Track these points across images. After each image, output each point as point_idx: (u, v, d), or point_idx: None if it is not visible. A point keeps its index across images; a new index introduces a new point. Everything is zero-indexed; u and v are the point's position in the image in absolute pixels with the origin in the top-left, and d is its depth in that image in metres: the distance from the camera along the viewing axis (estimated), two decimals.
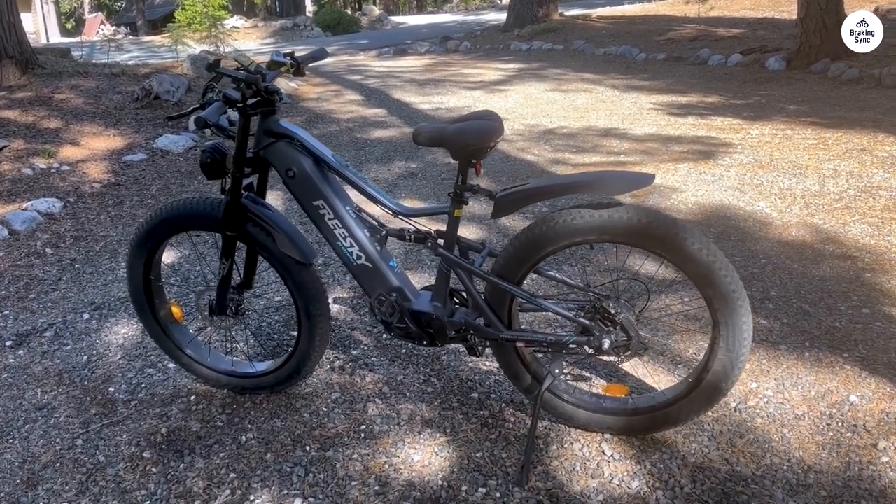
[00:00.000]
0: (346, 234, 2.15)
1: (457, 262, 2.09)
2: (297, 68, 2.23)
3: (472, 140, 1.91)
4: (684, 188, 4.50)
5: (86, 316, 3.21)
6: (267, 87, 2.05)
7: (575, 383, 2.39)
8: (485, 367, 2.60)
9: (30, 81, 7.16)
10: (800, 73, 8.32)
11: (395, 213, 2.13)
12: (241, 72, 2.02)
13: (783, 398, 2.33)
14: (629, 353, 2.02)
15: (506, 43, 13.79)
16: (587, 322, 2.00)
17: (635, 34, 12.78)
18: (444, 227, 2.11)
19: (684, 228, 1.85)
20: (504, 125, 1.97)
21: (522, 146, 5.77)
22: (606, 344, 1.98)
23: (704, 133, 5.90)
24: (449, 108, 7.34)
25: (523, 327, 2.42)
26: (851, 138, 5.40)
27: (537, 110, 7.15)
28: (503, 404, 2.39)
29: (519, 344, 2.10)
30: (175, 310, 2.54)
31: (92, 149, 5.86)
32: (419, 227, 2.16)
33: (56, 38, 29.24)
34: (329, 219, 2.15)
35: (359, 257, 2.17)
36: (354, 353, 2.77)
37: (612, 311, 1.98)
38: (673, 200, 4.28)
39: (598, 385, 2.44)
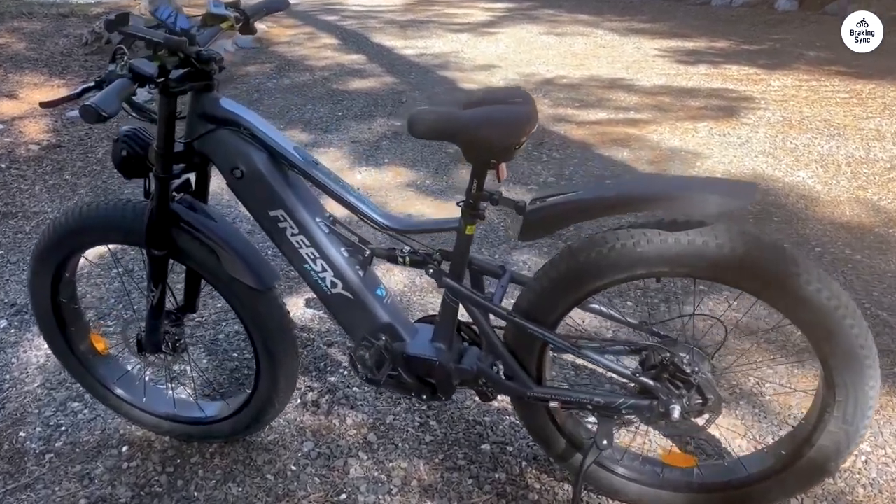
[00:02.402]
0: (316, 255, 1.57)
1: (469, 297, 1.52)
2: (246, 23, 1.61)
3: (495, 134, 1.33)
4: (708, 153, 3.93)
5: (2, 323, 2.61)
6: (200, 52, 1.43)
7: (624, 445, 1.85)
8: (496, 404, 2.06)
9: None
10: (813, 14, 7.68)
11: (384, 229, 1.55)
12: (160, 31, 1.41)
13: (886, 456, 1.81)
14: (704, 421, 1.49)
15: None
16: (651, 383, 1.46)
17: None
18: (448, 244, 1.53)
19: (797, 260, 1.30)
20: (535, 108, 1.38)
21: None
22: (676, 412, 1.44)
23: (720, 84, 5.30)
24: (435, 55, 6.65)
25: (555, 374, 1.87)
26: (887, 91, 4.84)
27: (532, 57, 6.48)
28: (524, 462, 1.86)
29: (553, 404, 1.55)
30: (98, 341, 1.96)
31: (32, 103, 5.15)
32: (416, 245, 1.59)
33: None
34: (292, 234, 1.57)
35: (334, 285, 1.60)
36: (331, 379, 2.22)
37: (686, 368, 1.43)
38: (698, 169, 3.72)
39: (655, 448, 1.91)
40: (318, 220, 1.57)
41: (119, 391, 1.98)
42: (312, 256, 1.58)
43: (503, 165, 1.40)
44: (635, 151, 4.00)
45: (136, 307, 2.62)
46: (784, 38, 6.88)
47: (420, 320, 1.73)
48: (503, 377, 1.59)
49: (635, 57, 6.37)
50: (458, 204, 1.49)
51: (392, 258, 1.59)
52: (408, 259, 1.57)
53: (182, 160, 1.56)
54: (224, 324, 2.53)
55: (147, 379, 2.03)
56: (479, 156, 1.37)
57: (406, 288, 2.73)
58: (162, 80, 1.40)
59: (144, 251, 1.65)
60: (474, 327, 1.65)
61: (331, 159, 4.06)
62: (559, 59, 6.36)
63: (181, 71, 1.44)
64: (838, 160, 3.71)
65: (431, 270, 1.55)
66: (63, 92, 5.38)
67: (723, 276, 1.34)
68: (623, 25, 8.02)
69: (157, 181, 1.54)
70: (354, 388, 2.17)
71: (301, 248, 1.57)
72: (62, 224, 1.70)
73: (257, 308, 1.68)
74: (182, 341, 1.81)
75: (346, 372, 2.26)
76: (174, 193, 1.61)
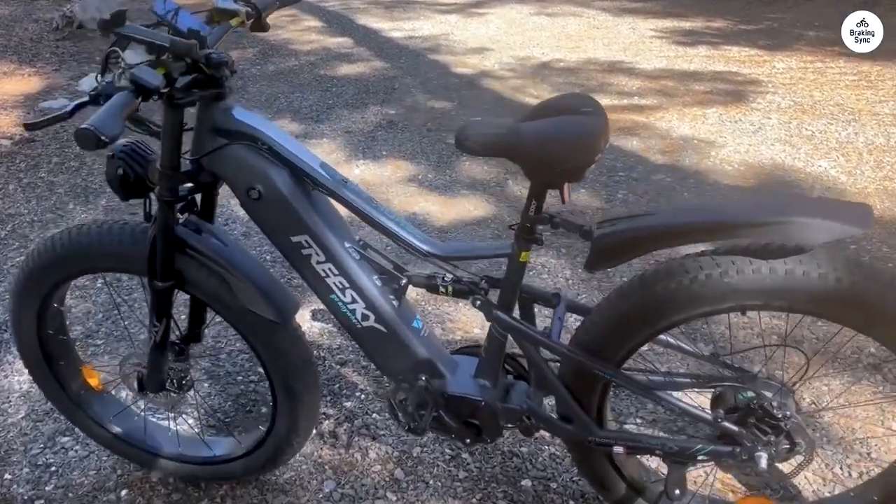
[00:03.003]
0: (346, 285, 1.38)
1: (525, 334, 1.34)
2: (258, 18, 1.40)
3: (563, 152, 1.14)
4: (722, 141, 3.76)
5: None
6: (209, 56, 1.22)
7: (692, 485, 1.67)
8: None
9: None
10: None
11: (426, 255, 1.36)
12: (164, 33, 1.19)
13: None
14: (792, 468, 1.32)
15: None
16: (734, 429, 1.29)
17: None
18: (489, 269, 1.35)
19: None
20: (607, 120, 1.19)
21: (517, 85, 4.94)
22: (763, 461, 1.27)
23: (723, 67, 5.13)
24: (424, 37, 6.40)
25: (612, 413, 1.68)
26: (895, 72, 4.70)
27: (525, 39, 6.26)
28: (571, 501, 1.69)
29: (617, 449, 1.38)
30: (91, 377, 1.76)
31: (1, 93, 4.85)
32: (460, 272, 1.40)
33: None
34: (318, 262, 1.37)
35: (365, 318, 1.40)
36: (348, 405, 2.03)
37: (776, 412, 1.26)
38: (713, 159, 3.55)
39: (712, 480, 1.74)
40: (347, 245, 1.37)
41: (117, 429, 1.77)
42: (341, 286, 1.38)
43: (567, 185, 1.21)
44: (645, 141, 3.82)
45: (126, 323, 2.41)
46: (781, 17, 6.72)
47: (458, 351, 1.55)
48: (558, 418, 1.42)
49: (631, 38, 6.18)
50: (510, 227, 1.30)
51: (432, 287, 1.39)
52: (450, 288, 1.38)
53: (189, 180, 1.35)
54: (225, 340, 2.33)
55: (147, 414, 1.82)
56: (543, 176, 1.17)
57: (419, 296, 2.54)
58: (167, 90, 1.19)
59: (145, 281, 1.45)
60: (521, 359, 1.47)
61: (325, 152, 3.84)
62: (553, 41, 6.15)
63: (188, 78, 1.23)
64: (859, 148, 3.56)
65: (479, 302, 1.36)
66: (34, 82, 5.09)
67: (825, 311, 1.17)
68: (615, 5, 7.80)
69: (160, 204, 1.33)
70: (374, 415, 1.99)
71: (328, 276, 1.38)
72: (48, 250, 1.49)
73: (276, 342, 1.49)
74: (188, 378, 1.61)
75: (363, 396, 2.07)
76: (179, 214, 1.41)
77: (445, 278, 1.38)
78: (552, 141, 1.14)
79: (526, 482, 1.75)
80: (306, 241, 1.35)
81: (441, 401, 1.44)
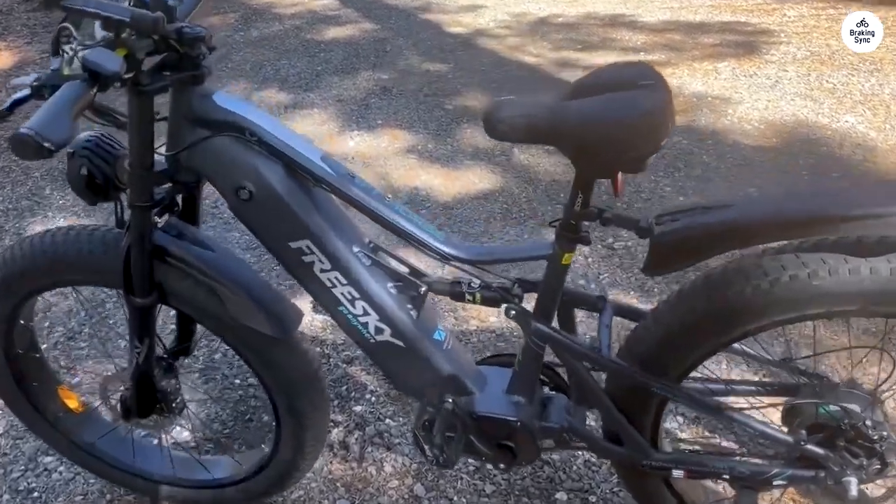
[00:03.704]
0: (355, 295, 1.18)
1: (567, 345, 1.15)
2: None
3: (622, 140, 0.93)
4: (738, 98, 3.54)
5: None
6: (182, 31, 1.00)
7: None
8: None
9: None
10: None
11: (449, 259, 1.16)
12: (121, 2, 0.97)
13: None
14: (883, 490, 1.14)
15: None
16: (819, 452, 1.10)
17: None
18: (526, 273, 1.15)
19: None
20: (671, 95, 0.98)
21: (514, 43, 4.68)
22: (853, 487, 1.09)
23: (731, 17, 4.87)
24: None
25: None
26: None
27: None
28: None
29: (677, 473, 1.19)
30: (69, 398, 1.56)
31: None
32: (489, 276, 1.20)
33: None
34: (322, 270, 1.17)
35: (379, 331, 1.21)
36: (358, 409, 1.85)
37: (870, 431, 1.07)
38: (731, 118, 3.33)
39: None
40: (355, 249, 1.17)
41: (103, 452, 1.59)
42: (350, 297, 1.18)
43: (622, 175, 1.00)
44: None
45: (112, 322, 2.21)
46: None
47: (486, 361, 1.36)
48: (604, 437, 1.23)
49: None
50: (551, 224, 1.10)
51: (456, 295, 1.19)
52: (478, 295, 1.18)
53: (167, 179, 1.14)
54: (219, 339, 2.13)
55: (136, 435, 1.63)
56: (594, 166, 0.97)
57: None
58: (131, 75, 0.97)
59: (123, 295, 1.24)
60: (558, 368, 1.28)
61: (317, 123, 3.60)
62: None
63: (157, 59, 1.01)
64: (885, 100, 3.35)
65: (513, 312, 1.16)
66: (5, 57, 4.81)
67: None
68: None
69: (133, 211, 1.12)
70: (388, 421, 1.81)
71: (334, 286, 1.18)
72: (6, 264, 1.28)
73: (276, 359, 1.30)
74: (179, 399, 1.42)
75: (374, 398, 1.88)
76: (156, 218, 1.20)
77: (472, 284, 1.18)
78: (607, 124, 0.93)
79: (561, 495, 1.58)
80: (307, 246, 1.14)
81: (470, 422, 1.25)
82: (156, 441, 1.65)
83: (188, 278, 1.22)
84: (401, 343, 1.21)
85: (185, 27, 1.01)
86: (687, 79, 3.84)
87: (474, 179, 2.98)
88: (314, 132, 3.48)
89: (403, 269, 1.21)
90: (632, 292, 2.23)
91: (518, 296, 1.17)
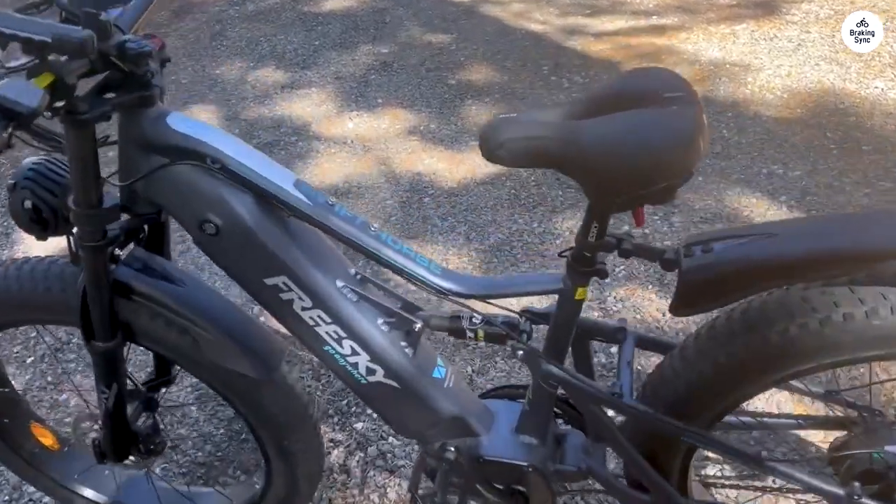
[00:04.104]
0: (342, 335, 1.04)
1: (583, 390, 1.01)
2: None
3: (649, 169, 0.78)
4: (758, 64, 3.34)
5: None
6: (124, 45, 0.85)
7: None
8: None
9: None
10: None
11: (445, 294, 1.01)
12: (49, 20, 0.82)
13: None
14: None
15: None
16: None
17: None
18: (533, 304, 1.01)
19: None
20: (702, 108, 0.82)
21: (519, 10, 4.45)
22: None
23: None
24: None
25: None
26: None
27: None
28: None
29: None
30: (43, 436, 1.44)
31: None
32: (492, 307, 1.05)
33: None
34: (303, 308, 1.03)
35: (370, 372, 1.07)
36: (358, 427, 1.73)
37: None
38: (751, 87, 3.14)
39: None
40: (339, 284, 1.03)
41: (86, 491, 1.48)
42: (336, 336, 1.05)
43: (643, 210, 0.85)
44: (671, 68, 3.39)
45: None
46: None
47: (490, 394, 1.22)
48: (627, 483, 1.10)
49: None
50: (560, 254, 0.95)
51: (456, 331, 1.05)
52: (480, 332, 1.04)
53: (123, 211, 1.00)
54: None
55: (119, 469, 1.52)
56: (613, 200, 0.82)
57: None
58: (62, 103, 0.83)
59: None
60: (570, 402, 1.14)
61: (315, 104, 3.44)
62: None
63: (99, 79, 0.87)
64: None
65: (522, 353, 1.02)
66: None
67: None
68: None
69: (84, 251, 0.99)
70: (391, 439, 1.69)
71: (318, 325, 1.04)
72: None
73: (261, 399, 1.17)
74: (161, 441, 1.29)
75: (375, 414, 1.76)
76: (116, 252, 1.06)
77: (474, 319, 1.04)
78: (629, 152, 0.78)
79: None
80: (284, 283, 1.01)
81: (476, 468, 1.12)
82: (143, 471, 1.54)
83: (158, 317, 1.09)
84: (396, 384, 1.08)
85: (129, 42, 0.86)
86: (703, 44, 3.64)
87: (480, 162, 2.82)
88: (312, 114, 3.33)
89: (395, 304, 1.07)
90: (650, 286, 2.09)
91: (526, 332, 1.03)
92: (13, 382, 1.47)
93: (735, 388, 0.95)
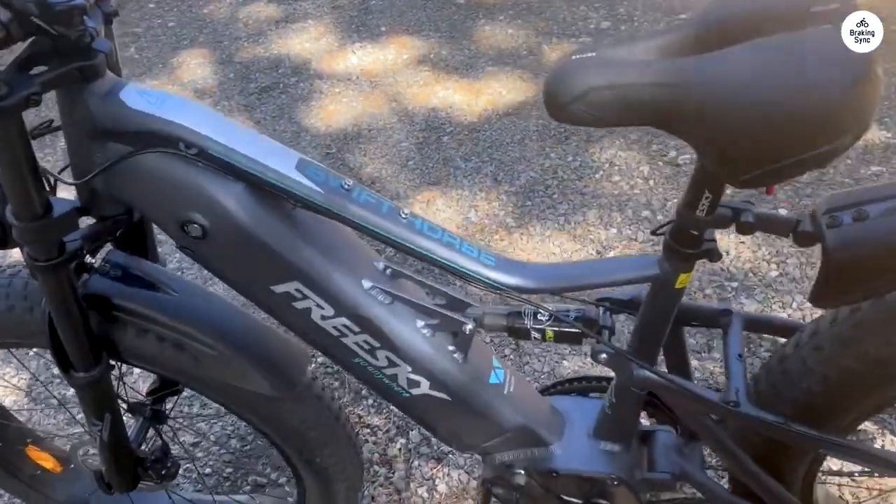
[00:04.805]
0: (374, 344, 0.83)
1: (685, 393, 0.80)
2: None
3: (799, 133, 0.54)
4: None
5: None
6: (47, 2, 0.61)
7: None
8: None
9: None
10: None
11: (504, 290, 0.79)
12: None
13: None
14: None
15: None
16: None
17: None
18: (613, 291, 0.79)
19: None
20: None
21: None
22: None
23: None
24: None
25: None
26: None
27: None
28: None
29: None
30: (42, 459, 1.27)
31: None
32: (562, 302, 0.83)
33: None
34: (324, 317, 0.82)
35: (413, 384, 0.87)
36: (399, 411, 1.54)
37: None
38: None
39: None
40: (366, 284, 0.81)
41: None
42: (368, 347, 0.84)
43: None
44: None
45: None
46: None
47: (552, 390, 1.02)
48: (731, 490, 0.91)
49: None
50: (654, 232, 0.73)
51: (518, 332, 0.84)
52: (549, 332, 0.82)
53: (77, 219, 0.78)
54: None
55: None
56: (742, 172, 0.58)
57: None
58: None
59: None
60: (656, 398, 0.93)
61: (313, 38, 3.14)
62: None
63: (21, 51, 0.63)
64: None
65: (604, 355, 0.81)
66: None
67: None
68: None
69: (38, 272, 0.77)
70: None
71: (344, 335, 0.83)
72: None
73: (282, 417, 0.98)
74: (174, 467, 1.10)
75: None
76: (91, 262, 0.85)
77: (539, 315, 0.83)
78: (771, 104, 0.54)
79: None
80: (297, 290, 0.79)
81: (551, 484, 0.92)
82: (160, 491, 1.37)
83: (147, 333, 0.89)
84: (445, 396, 0.88)
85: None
86: None
87: (500, 90, 2.55)
88: (311, 50, 3.04)
89: (438, 301, 0.85)
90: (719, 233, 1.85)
91: (608, 327, 0.81)
92: (3, 402, 1.29)
93: (880, 390, 0.73)
